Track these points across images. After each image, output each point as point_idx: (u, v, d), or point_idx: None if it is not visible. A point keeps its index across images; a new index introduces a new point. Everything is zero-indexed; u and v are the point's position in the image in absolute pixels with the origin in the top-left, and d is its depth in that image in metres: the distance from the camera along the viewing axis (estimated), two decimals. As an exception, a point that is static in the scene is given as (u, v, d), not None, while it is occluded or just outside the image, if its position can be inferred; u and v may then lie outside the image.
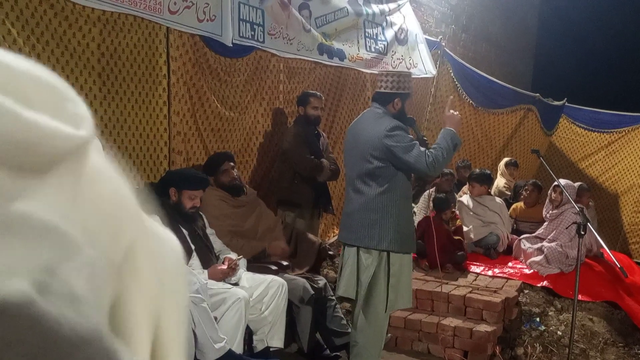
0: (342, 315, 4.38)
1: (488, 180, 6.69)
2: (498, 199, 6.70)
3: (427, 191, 6.44)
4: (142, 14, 4.22)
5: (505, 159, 8.18)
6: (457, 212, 6.13)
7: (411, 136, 3.74)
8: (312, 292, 4.21)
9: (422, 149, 3.67)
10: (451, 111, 3.84)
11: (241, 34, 5.07)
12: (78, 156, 0.41)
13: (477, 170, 6.75)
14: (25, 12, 3.52)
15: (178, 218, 3.89)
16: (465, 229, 6.19)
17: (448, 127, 3.78)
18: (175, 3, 4.43)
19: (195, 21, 4.64)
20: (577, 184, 6.56)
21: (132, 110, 4.28)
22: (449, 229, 5.72)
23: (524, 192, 6.92)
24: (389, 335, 4.71)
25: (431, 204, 5.91)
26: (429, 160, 3.60)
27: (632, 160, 9.37)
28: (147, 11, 4.24)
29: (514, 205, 7.04)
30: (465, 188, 7.12)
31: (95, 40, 3.97)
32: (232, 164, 4.57)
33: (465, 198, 6.55)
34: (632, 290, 5.77)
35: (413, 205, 5.18)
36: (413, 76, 4.14)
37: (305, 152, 5.09)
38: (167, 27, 4.45)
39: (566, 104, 10.33)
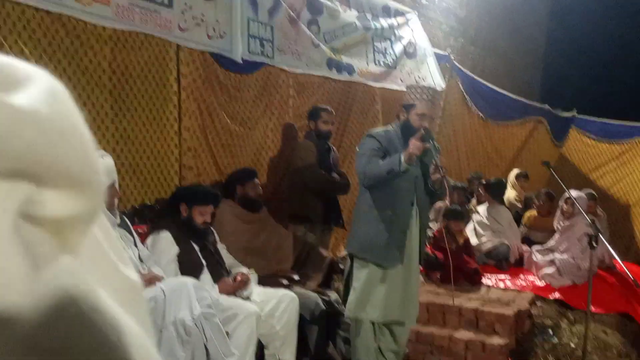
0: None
1: (497, 191, 6.74)
2: (506, 210, 6.71)
3: (438, 204, 6.43)
4: (152, 32, 4.27)
5: (515, 171, 8.17)
6: (465, 227, 6.12)
7: (377, 145, 3.76)
8: (323, 306, 4.21)
9: (371, 159, 3.70)
10: (414, 141, 3.62)
11: (250, 50, 5.12)
12: None
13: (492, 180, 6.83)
14: (37, 32, 3.57)
15: (189, 233, 3.91)
16: (476, 241, 6.19)
17: (402, 152, 3.61)
18: (185, 21, 4.48)
19: (205, 38, 4.69)
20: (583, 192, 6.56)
21: (144, 127, 4.32)
22: (458, 243, 5.70)
23: (536, 201, 6.92)
24: (406, 350, 4.68)
25: (441, 217, 5.91)
26: (360, 170, 3.75)
27: (643, 171, 9.33)
28: (158, 29, 4.29)
29: (527, 214, 7.02)
30: (474, 200, 7.15)
31: (107, 58, 4.02)
32: (257, 181, 4.73)
33: (481, 208, 6.57)
34: (645, 301, 5.73)
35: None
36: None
37: (316, 167, 5.10)
38: (178, 45, 4.49)
39: (576, 115, 10.32)
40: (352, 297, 3.81)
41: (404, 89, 4.05)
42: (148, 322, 0.49)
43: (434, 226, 6.34)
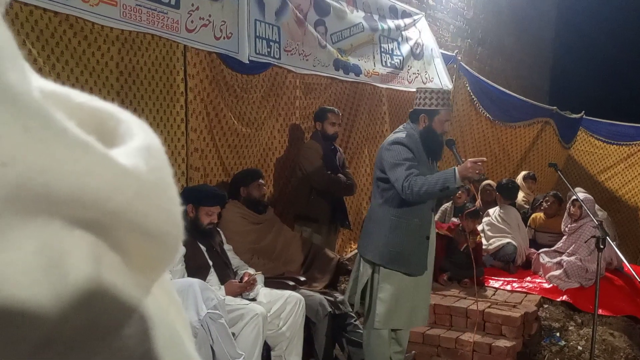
0: (362, 330, 4.36)
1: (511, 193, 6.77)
2: (515, 211, 6.69)
3: (444, 205, 6.44)
4: (159, 33, 4.27)
5: (523, 173, 8.15)
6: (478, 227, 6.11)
7: (410, 155, 3.63)
8: (329, 307, 4.21)
9: (411, 171, 3.53)
10: (475, 160, 3.55)
11: (257, 51, 5.12)
12: None
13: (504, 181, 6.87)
14: (45, 32, 3.58)
15: (195, 234, 3.91)
16: (486, 243, 6.17)
17: (456, 168, 3.51)
18: (192, 21, 4.48)
19: (212, 39, 4.69)
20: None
21: (150, 127, 4.31)
22: (468, 242, 5.67)
23: (544, 203, 6.89)
24: (413, 352, 4.67)
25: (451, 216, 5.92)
26: (405, 184, 3.51)
27: (651, 172, 9.29)
28: (165, 30, 4.29)
29: (533, 215, 7.00)
30: (479, 202, 7.13)
31: (114, 59, 4.02)
32: (262, 181, 4.71)
33: (491, 210, 6.58)
34: (653, 304, 5.70)
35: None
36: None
37: (322, 168, 5.10)
38: (185, 45, 4.50)
39: (584, 116, 10.27)
40: (380, 308, 3.73)
41: (413, 90, 4.01)
42: None
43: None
